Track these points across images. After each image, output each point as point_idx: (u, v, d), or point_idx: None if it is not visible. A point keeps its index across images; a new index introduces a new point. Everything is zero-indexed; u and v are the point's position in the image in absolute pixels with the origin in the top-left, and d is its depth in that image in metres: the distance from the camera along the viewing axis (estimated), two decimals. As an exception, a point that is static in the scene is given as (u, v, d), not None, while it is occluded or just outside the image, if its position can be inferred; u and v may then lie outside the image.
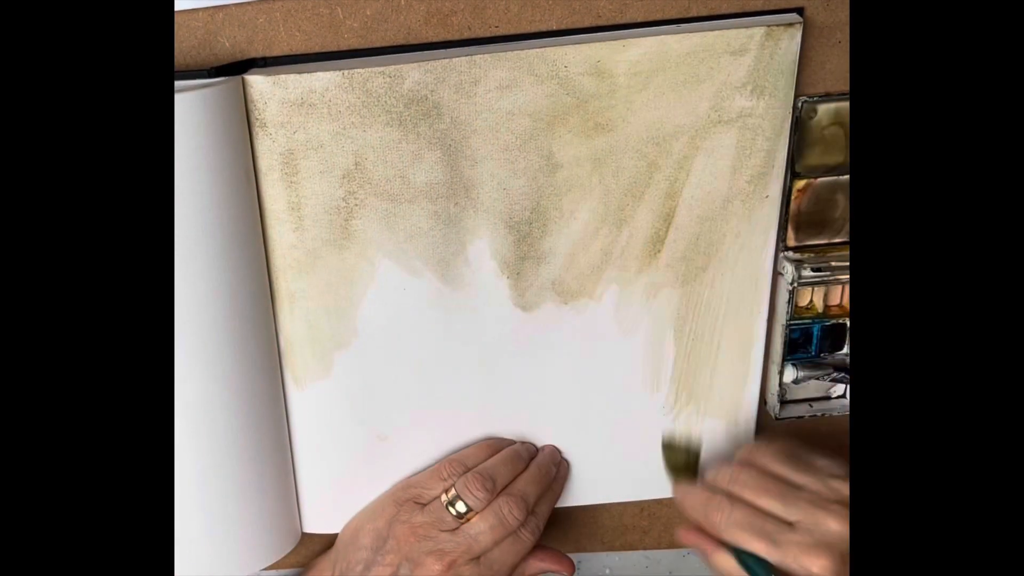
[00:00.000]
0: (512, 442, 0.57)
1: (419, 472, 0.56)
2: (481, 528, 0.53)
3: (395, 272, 0.52)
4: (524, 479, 0.55)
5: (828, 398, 0.59)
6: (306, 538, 0.58)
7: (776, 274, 0.56)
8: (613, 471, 0.59)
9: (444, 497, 0.54)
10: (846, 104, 0.52)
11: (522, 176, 0.51)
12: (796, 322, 0.56)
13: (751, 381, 0.58)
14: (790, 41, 0.49)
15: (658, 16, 0.50)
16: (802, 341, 0.57)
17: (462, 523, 0.53)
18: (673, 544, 0.63)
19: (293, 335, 0.53)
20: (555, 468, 0.57)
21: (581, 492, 0.60)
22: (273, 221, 0.50)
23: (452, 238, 0.52)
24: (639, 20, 0.50)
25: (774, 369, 0.58)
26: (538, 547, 0.55)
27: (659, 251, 0.53)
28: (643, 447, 0.59)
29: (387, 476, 0.57)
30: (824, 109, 0.52)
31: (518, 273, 0.53)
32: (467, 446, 0.57)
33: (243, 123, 0.47)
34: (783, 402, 0.59)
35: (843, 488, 0.49)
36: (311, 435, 0.56)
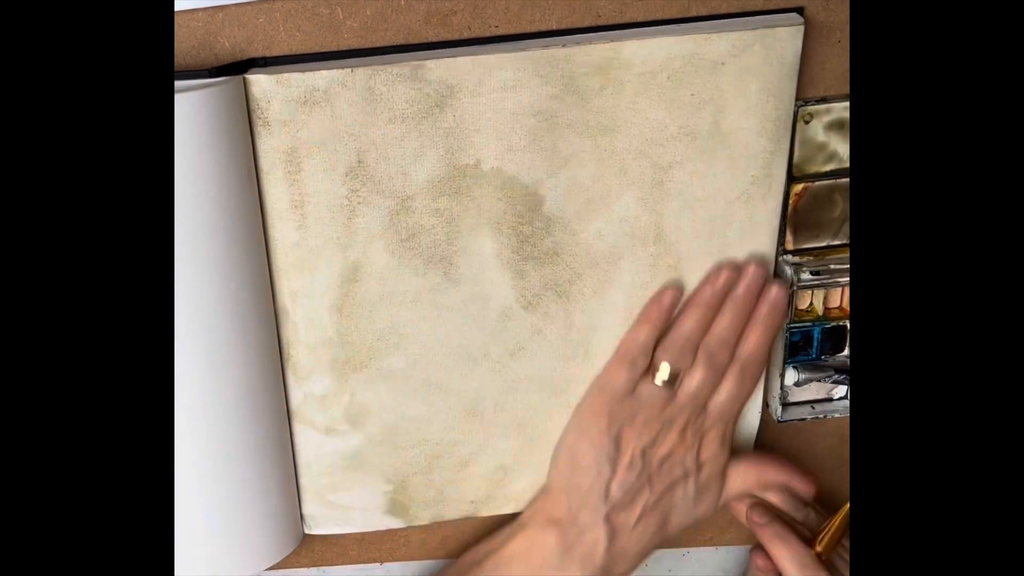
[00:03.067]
0: (678, 291, 0.54)
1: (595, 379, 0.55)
2: (695, 383, 0.53)
3: (397, 270, 0.52)
4: (720, 323, 0.53)
5: (830, 400, 0.59)
6: (307, 538, 0.58)
7: (776, 278, 0.56)
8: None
9: (648, 377, 0.54)
10: (844, 108, 0.53)
11: (525, 176, 0.51)
12: (796, 325, 0.56)
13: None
14: (791, 41, 0.49)
15: (658, 16, 0.50)
16: (802, 344, 0.57)
17: (676, 390, 0.53)
18: (672, 544, 0.63)
19: (295, 334, 0.53)
20: (754, 299, 0.54)
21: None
22: (275, 220, 0.50)
23: (455, 237, 0.52)
24: (639, 20, 0.50)
25: (775, 372, 0.58)
26: (778, 460, 0.58)
27: (662, 252, 0.53)
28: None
29: (387, 476, 0.57)
30: (821, 113, 0.52)
31: (521, 273, 0.53)
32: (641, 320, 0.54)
33: (244, 122, 0.47)
34: (785, 404, 0.59)
35: None
36: (312, 435, 0.56)
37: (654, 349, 0.54)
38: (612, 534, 0.54)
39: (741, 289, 0.53)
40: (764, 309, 0.54)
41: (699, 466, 0.55)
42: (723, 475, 0.56)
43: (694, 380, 0.53)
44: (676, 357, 0.53)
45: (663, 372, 0.53)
